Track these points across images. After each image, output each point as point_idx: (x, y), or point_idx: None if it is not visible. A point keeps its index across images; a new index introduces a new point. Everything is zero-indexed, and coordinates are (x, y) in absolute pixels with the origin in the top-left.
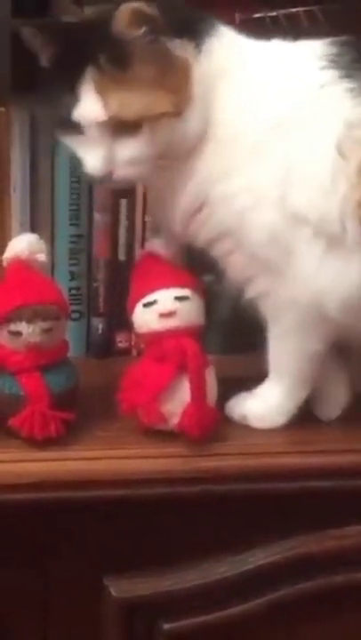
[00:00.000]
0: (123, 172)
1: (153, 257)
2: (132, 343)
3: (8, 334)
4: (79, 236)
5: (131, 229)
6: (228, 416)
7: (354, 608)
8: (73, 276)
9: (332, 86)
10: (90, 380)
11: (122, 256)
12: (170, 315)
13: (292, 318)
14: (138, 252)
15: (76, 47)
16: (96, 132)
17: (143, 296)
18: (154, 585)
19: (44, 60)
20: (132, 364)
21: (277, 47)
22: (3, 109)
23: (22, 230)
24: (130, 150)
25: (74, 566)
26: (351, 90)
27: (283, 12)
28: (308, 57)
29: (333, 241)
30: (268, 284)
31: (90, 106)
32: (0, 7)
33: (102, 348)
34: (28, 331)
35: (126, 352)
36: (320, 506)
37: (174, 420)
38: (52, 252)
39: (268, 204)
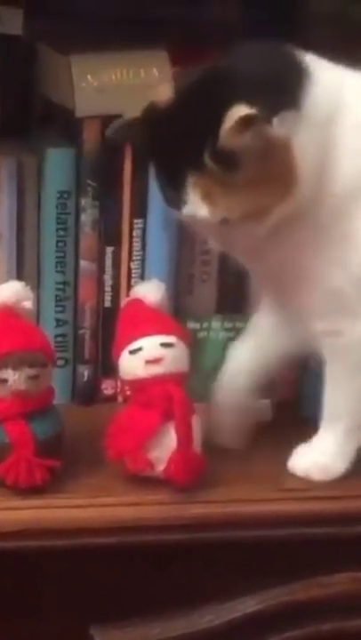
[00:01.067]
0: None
1: (138, 303)
2: (118, 390)
3: None
4: (65, 283)
5: (116, 276)
6: (292, 472)
7: None
8: (59, 323)
9: None
10: (75, 428)
11: (108, 303)
12: (155, 361)
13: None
14: (123, 299)
15: (173, 141)
16: (207, 225)
17: (129, 342)
18: (140, 634)
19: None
20: (119, 410)
21: None
22: None
23: (8, 278)
24: (243, 230)
25: (59, 615)
26: None
27: None
28: None
29: None
30: (344, 322)
31: (196, 210)
32: None
33: (88, 395)
34: (14, 378)
35: (112, 399)
36: (307, 553)
37: (161, 467)
38: (37, 299)
39: None
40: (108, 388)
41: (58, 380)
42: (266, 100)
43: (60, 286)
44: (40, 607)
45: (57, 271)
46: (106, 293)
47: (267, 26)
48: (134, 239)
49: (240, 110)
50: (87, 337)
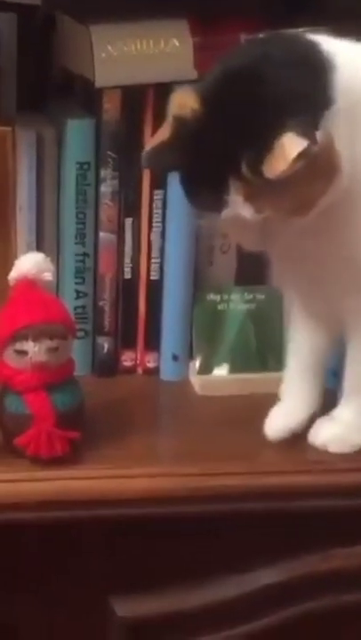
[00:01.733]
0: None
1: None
2: (138, 362)
3: (14, 353)
4: (85, 254)
5: (136, 248)
6: (312, 445)
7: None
8: (78, 295)
9: None
10: (95, 399)
11: (127, 275)
12: None
13: None
14: (143, 271)
15: (210, 150)
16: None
17: None
18: (159, 605)
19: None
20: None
21: None
22: (9, 129)
23: (28, 249)
24: (286, 224)
25: (79, 585)
26: None
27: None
28: None
29: None
30: None
31: (239, 211)
32: (6, 26)
33: (108, 367)
34: (35, 350)
35: (132, 370)
36: (327, 525)
37: None
38: (57, 270)
39: None
40: (127, 359)
41: (78, 351)
42: (307, 115)
43: (80, 258)
44: (60, 577)
45: (76, 243)
46: (125, 265)
47: None
48: (154, 210)
49: (292, 144)
50: (107, 309)
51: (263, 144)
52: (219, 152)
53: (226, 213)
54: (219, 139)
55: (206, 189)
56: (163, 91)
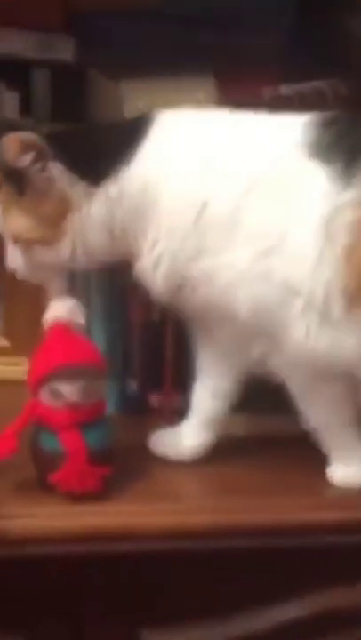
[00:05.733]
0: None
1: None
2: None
3: (49, 393)
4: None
5: None
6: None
7: None
8: (108, 338)
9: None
10: (124, 437)
11: (156, 317)
12: None
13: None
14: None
15: None
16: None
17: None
18: (187, 638)
19: None
20: None
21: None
22: None
23: (60, 294)
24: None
25: (109, 619)
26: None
27: (308, 85)
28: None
29: (324, 315)
30: (268, 345)
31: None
32: (40, 81)
33: (136, 406)
34: (69, 390)
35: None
36: (349, 561)
37: None
38: (88, 314)
39: (253, 278)
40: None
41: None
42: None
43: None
44: (90, 611)
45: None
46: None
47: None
48: None
49: (20, 134)
50: (135, 352)
51: None
52: None
53: None
54: None
55: None
56: None
